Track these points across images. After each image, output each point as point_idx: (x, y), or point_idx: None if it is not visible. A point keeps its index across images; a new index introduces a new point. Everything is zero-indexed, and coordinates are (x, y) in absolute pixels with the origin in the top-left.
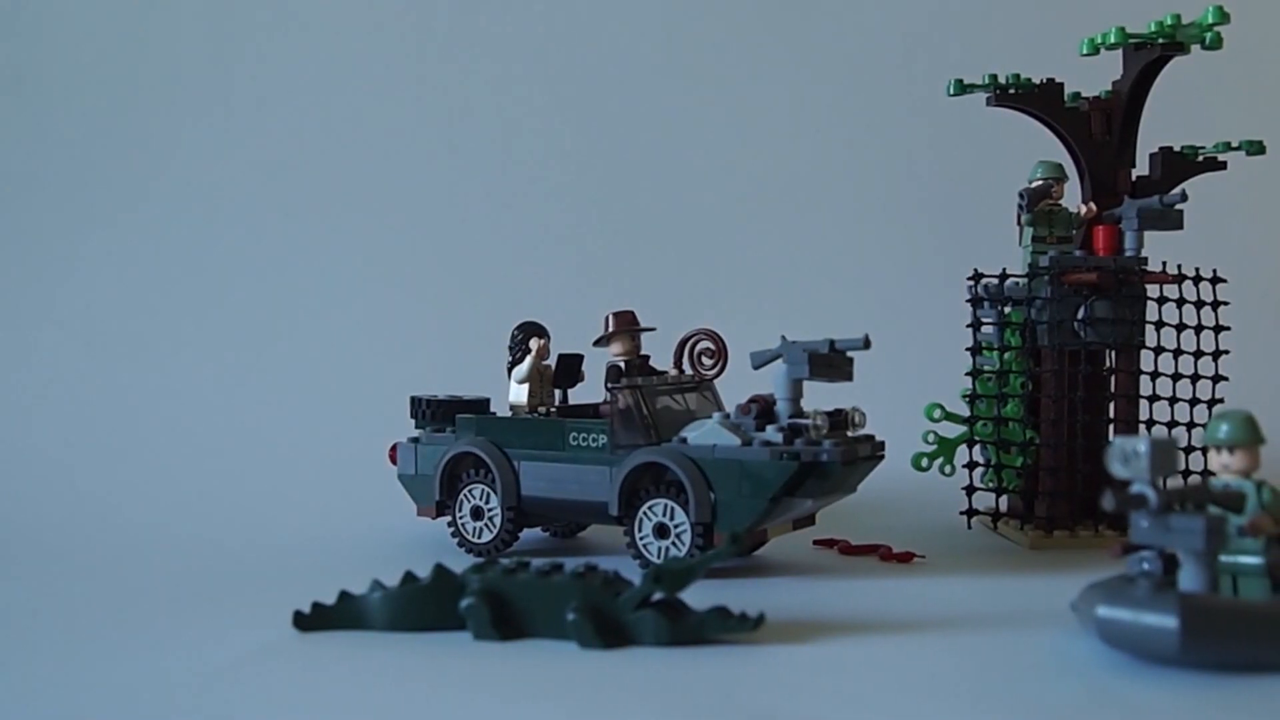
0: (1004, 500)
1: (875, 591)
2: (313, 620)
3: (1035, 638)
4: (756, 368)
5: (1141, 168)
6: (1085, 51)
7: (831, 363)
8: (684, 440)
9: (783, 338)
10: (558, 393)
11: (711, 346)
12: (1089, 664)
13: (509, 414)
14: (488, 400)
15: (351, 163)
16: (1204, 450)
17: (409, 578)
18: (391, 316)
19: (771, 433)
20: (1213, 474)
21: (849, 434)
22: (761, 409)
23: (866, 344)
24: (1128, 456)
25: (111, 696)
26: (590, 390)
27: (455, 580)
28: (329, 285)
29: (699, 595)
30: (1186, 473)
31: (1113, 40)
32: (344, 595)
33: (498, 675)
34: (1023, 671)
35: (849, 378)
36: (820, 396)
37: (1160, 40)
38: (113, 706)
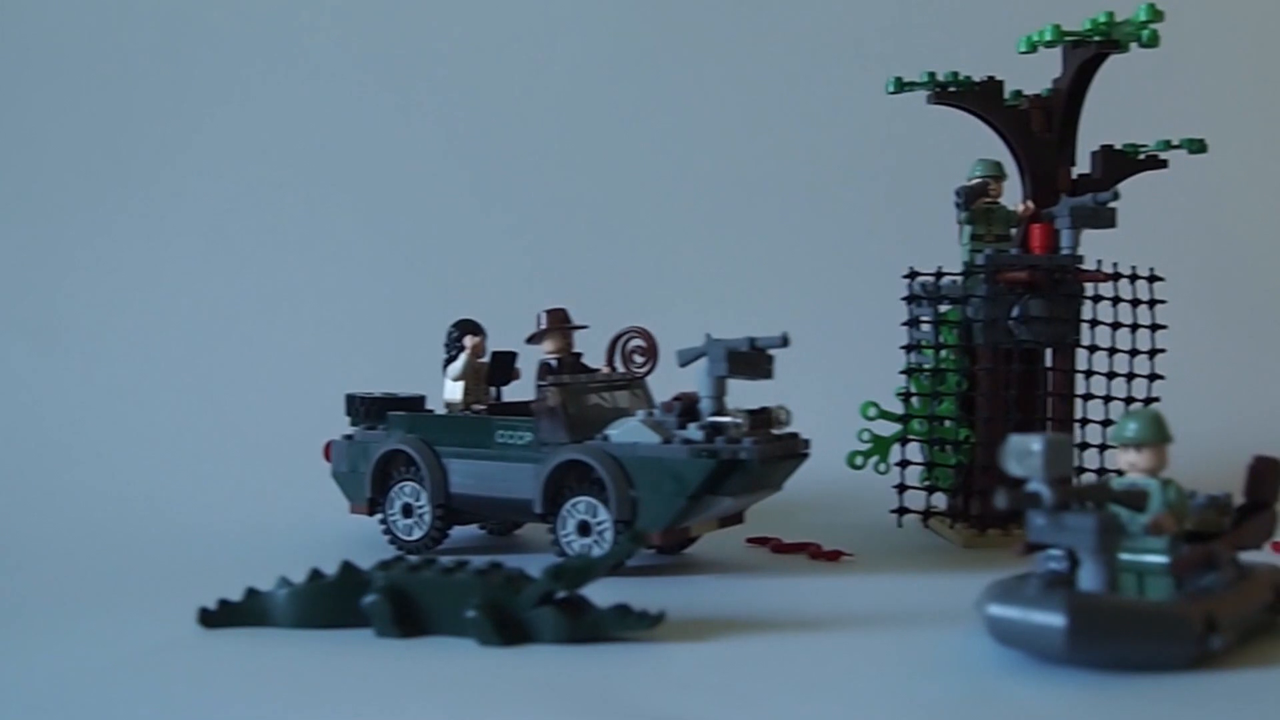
0: (940, 499)
1: (796, 589)
2: (219, 617)
3: (942, 636)
4: (682, 365)
5: (1083, 166)
6: (1023, 49)
7: (751, 360)
8: (606, 438)
9: (707, 335)
10: (494, 390)
11: (643, 344)
12: (984, 663)
13: (445, 411)
14: (423, 398)
15: (290, 161)
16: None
17: (315, 575)
18: (331, 314)
19: (693, 431)
20: (1121, 472)
21: (774, 432)
22: (685, 407)
23: (785, 342)
24: (1022, 454)
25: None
26: (527, 387)
27: (361, 577)
28: (269, 282)
29: (625, 592)
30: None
31: (1048, 38)
32: (251, 592)
33: (390, 673)
34: (914, 670)
35: (769, 375)
36: (759, 394)
37: (1096, 38)
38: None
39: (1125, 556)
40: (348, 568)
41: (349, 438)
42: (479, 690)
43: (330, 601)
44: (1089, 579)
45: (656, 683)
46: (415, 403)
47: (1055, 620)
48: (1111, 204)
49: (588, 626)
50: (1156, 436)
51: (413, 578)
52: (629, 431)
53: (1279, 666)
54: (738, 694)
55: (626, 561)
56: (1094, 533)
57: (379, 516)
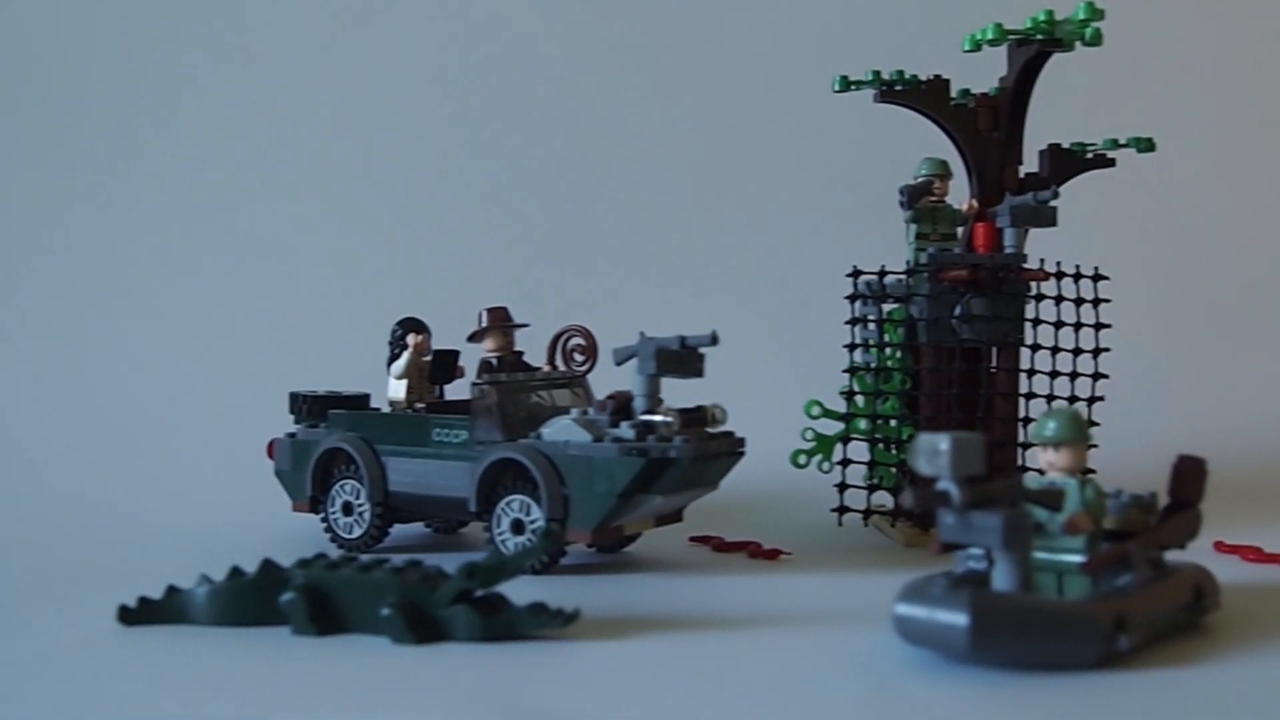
0: (883, 497)
1: (730, 588)
2: (138, 614)
3: (864, 636)
4: (617, 364)
5: (1031, 164)
6: (967, 48)
7: (682, 359)
8: (539, 436)
9: (641, 334)
10: (438, 389)
11: (583, 343)
12: (894, 662)
13: (389, 409)
14: (367, 396)
15: (236, 160)
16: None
17: (235, 573)
18: (278, 311)
19: (624, 429)
20: (1041, 471)
21: (708, 430)
22: (618, 405)
23: (714, 340)
24: (931, 453)
25: None
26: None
27: (281, 575)
28: (215, 278)
29: (560, 590)
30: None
31: (991, 36)
32: (171, 590)
33: (301, 671)
34: (824, 669)
35: (700, 374)
36: (703, 393)
37: (1039, 36)
38: None
39: (1044, 556)
40: (267, 565)
41: (292, 436)
42: (388, 689)
43: (250, 599)
44: (1001, 578)
45: (565, 681)
46: (359, 401)
47: (958, 619)
48: (1051, 203)
49: (502, 625)
50: (1075, 435)
51: (330, 576)
52: (561, 430)
53: (1188, 667)
54: (642, 693)
55: (559, 560)
56: (1000, 531)
57: (321, 515)
